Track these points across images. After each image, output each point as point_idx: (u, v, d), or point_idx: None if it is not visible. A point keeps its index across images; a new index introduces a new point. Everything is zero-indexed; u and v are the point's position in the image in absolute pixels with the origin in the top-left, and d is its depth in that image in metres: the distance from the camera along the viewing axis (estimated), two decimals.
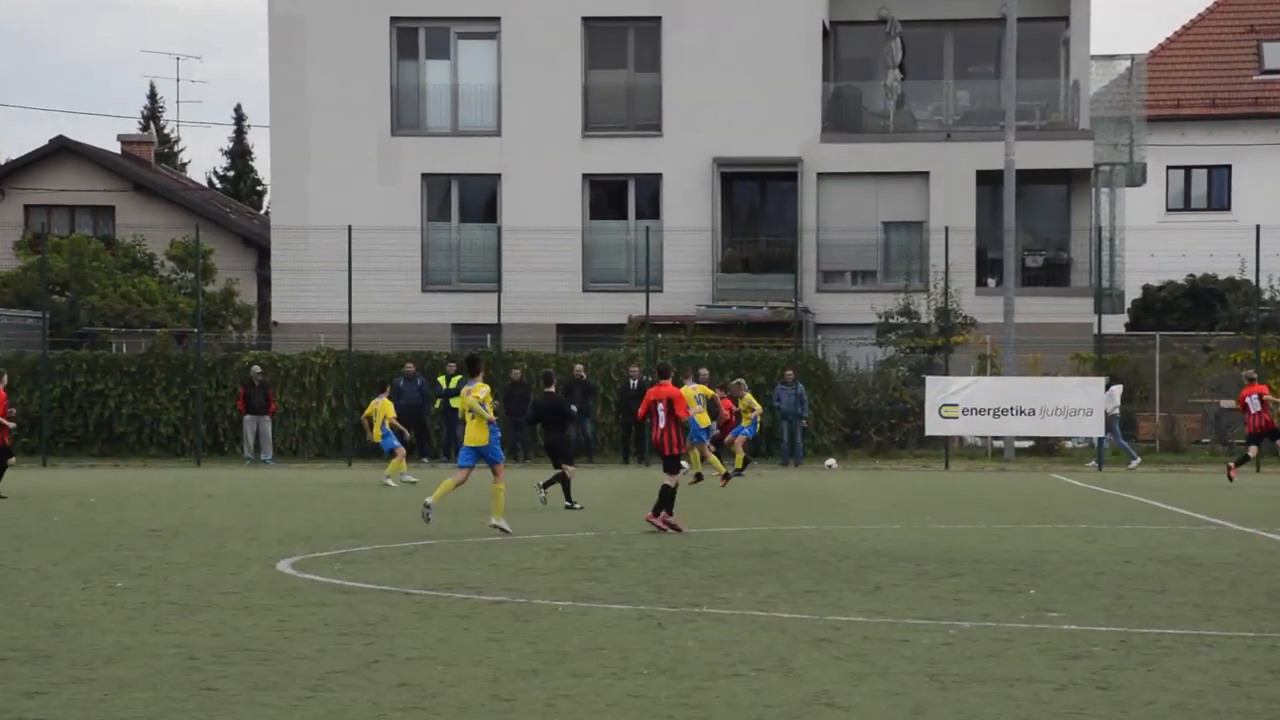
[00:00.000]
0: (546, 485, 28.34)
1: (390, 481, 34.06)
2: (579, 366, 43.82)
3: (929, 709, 11.35)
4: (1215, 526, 25.54)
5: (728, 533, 24.25)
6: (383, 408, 34.92)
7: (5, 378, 32.64)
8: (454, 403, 43.44)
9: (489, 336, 46.66)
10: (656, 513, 24.16)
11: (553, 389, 28.98)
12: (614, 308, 49.59)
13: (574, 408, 32.93)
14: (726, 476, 33.44)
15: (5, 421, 31.60)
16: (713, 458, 34.06)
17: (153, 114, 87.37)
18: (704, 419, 33.63)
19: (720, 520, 26.07)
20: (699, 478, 33.35)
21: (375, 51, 50.88)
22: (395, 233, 48.71)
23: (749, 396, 38.15)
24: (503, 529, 23.58)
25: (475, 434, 24.03)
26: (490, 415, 23.95)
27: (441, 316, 50.25)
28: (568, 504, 27.88)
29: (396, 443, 34.70)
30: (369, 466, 41.20)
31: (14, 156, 69.31)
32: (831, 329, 49.74)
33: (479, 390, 23.93)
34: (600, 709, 11.26)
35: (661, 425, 24.82)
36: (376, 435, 34.78)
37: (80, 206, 64.46)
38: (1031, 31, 50.22)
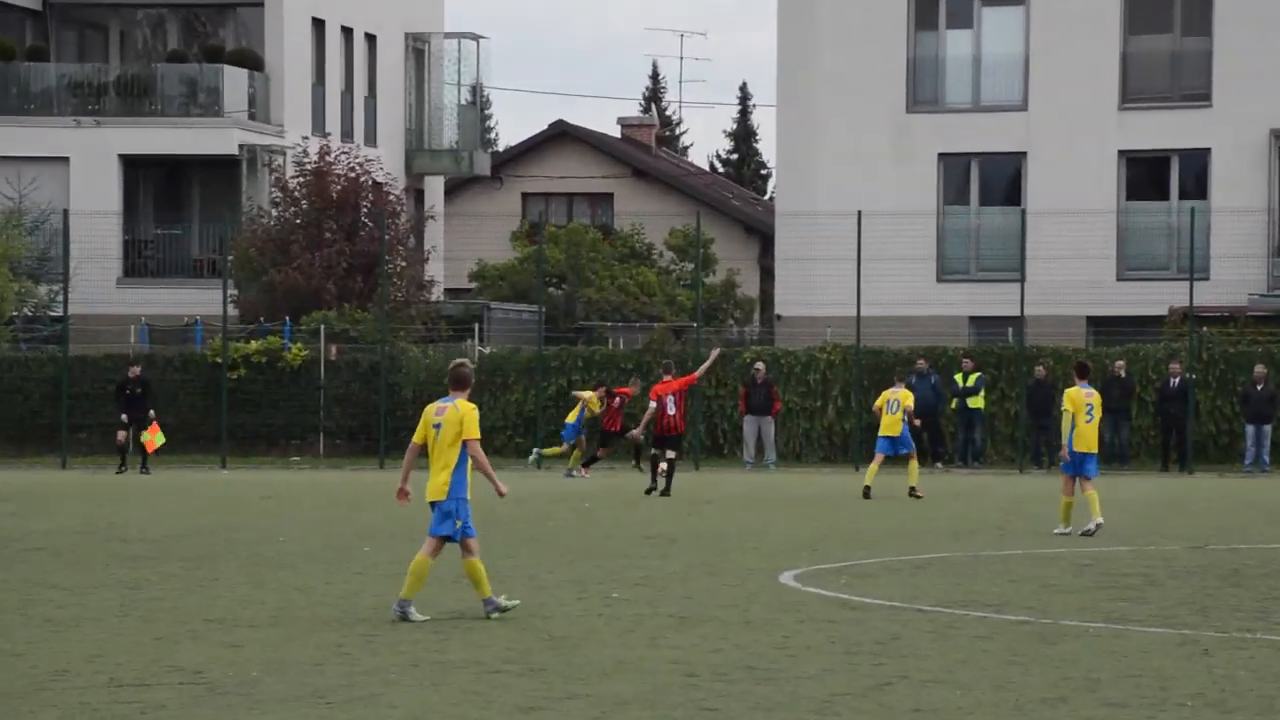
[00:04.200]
0: None
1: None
2: (1120, 363, 43.20)
3: None
4: None
5: None
6: (902, 396, 33.95)
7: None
8: (971, 402, 42.80)
9: (1009, 330, 45.74)
10: None
11: None
12: (1152, 298, 48.66)
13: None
14: None
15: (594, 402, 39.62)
16: None
17: (654, 95, 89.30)
18: None
19: (1274, 535, 25.72)
20: None
21: (891, 22, 51.27)
22: (909, 218, 48.64)
23: None
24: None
25: None
26: None
27: (957, 309, 50.03)
28: None
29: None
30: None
31: (512, 143, 71.32)
32: None
33: None
34: None
35: None
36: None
37: (578, 194, 66.27)
38: None
